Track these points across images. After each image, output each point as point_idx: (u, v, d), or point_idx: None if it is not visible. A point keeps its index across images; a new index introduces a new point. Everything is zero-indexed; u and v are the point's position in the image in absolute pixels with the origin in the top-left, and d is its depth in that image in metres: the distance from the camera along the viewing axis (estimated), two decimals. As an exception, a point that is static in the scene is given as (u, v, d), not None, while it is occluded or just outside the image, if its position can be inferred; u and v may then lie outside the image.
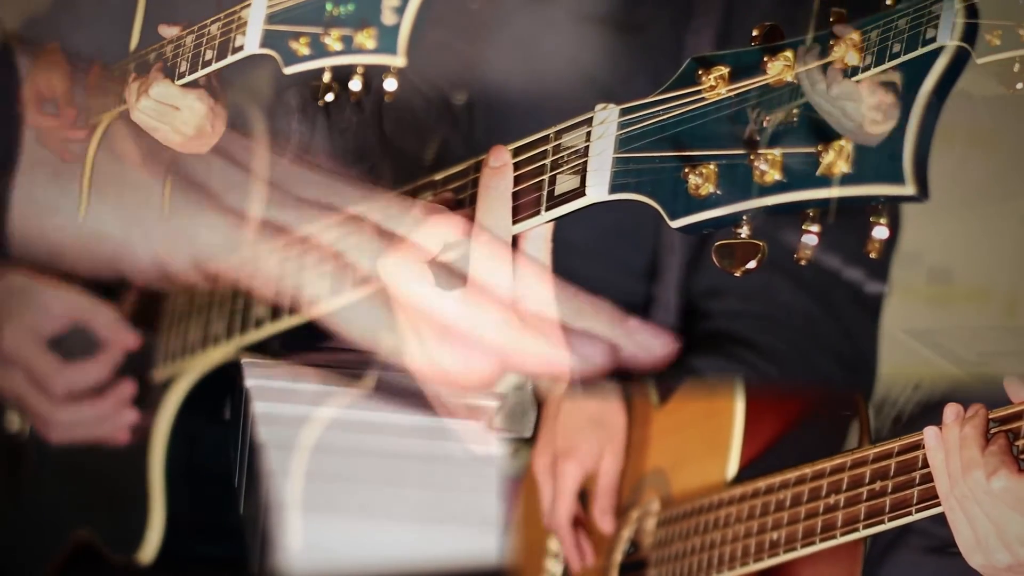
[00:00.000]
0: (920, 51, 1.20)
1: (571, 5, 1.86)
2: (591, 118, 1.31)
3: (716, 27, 1.83)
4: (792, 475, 1.67)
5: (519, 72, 1.83)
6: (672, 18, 1.86)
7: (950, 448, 1.46)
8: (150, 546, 1.83)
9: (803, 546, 1.64)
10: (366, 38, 1.45)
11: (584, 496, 1.94)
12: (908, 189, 1.12)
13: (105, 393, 1.87)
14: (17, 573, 1.95)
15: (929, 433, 1.48)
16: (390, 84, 1.47)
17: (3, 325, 1.82)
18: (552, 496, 1.92)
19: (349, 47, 1.46)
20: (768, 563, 1.69)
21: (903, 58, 1.20)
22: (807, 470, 1.66)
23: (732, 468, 1.78)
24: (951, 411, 1.48)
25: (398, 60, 1.43)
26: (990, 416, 1.47)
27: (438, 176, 1.48)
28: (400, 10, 1.43)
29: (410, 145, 1.85)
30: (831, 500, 1.61)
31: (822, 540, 1.62)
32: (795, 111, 1.18)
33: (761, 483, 1.71)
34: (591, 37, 1.84)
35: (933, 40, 1.23)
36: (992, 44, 1.46)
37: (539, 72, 1.82)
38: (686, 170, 1.22)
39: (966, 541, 1.48)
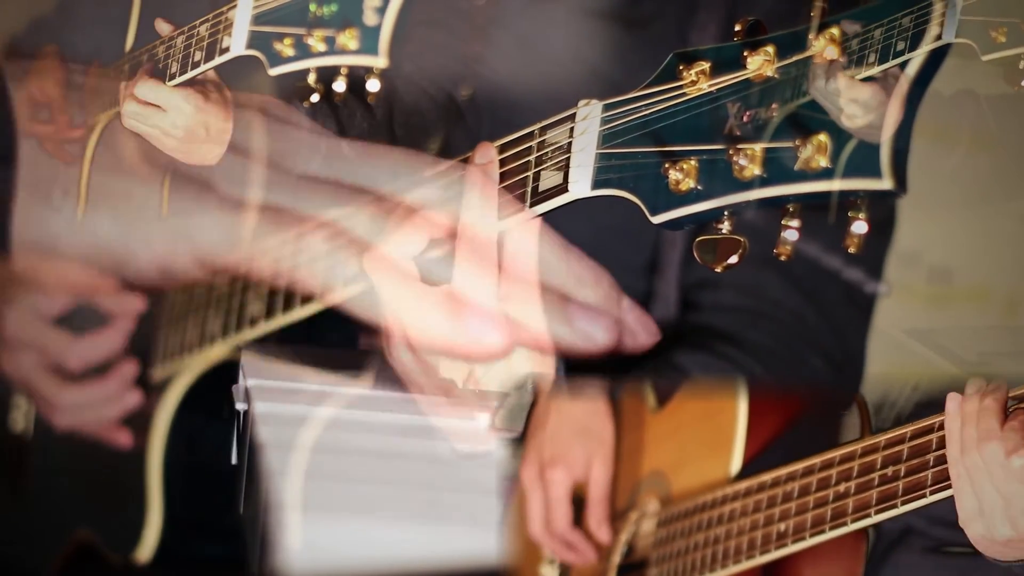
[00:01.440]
0: (923, 49, 1.20)
1: (575, 1, 1.86)
2: (574, 114, 1.31)
3: (720, 22, 1.83)
4: (799, 467, 1.66)
5: (523, 69, 1.83)
6: (676, 13, 1.85)
7: (967, 417, 1.46)
8: (148, 545, 1.84)
9: (812, 535, 1.63)
10: (348, 39, 1.45)
11: (577, 507, 1.94)
12: (886, 184, 1.12)
13: (109, 373, 1.87)
14: (18, 572, 1.95)
15: (952, 398, 1.48)
16: (372, 85, 1.47)
17: (7, 309, 1.82)
18: (542, 506, 1.91)
19: (332, 48, 1.46)
20: (775, 555, 1.68)
21: (907, 56, 1.20)
22: (815, 460, 1.65)
23: (735, 467, 1.77)
24: (973, 385, 1.47)
25: (380, 61, 1.44)
26: (1011, 394, 1.46)
27: (427, 173, 1.48)
28: (381, 10, 1.44)
29: (421, 148, 1.85)
30: (841, 488, 1.60)
31: (832, 528, 1.61)
32: (775, 106, 1.18)
33: (767, 477, 1.70)
34: (595, 32, 1.84)
35: (939, 37, 1.23)
36: (997, 41, 1.45)
37: (544, 68, 1.82)
38: (667, 165, 1.22)
39: (969, 509, 1.46)
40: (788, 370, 1.82)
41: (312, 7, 1.49)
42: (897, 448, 1.55)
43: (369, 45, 1.46)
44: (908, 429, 1.55)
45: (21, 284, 1.79)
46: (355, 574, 1.70)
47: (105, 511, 1.90)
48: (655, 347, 1.49)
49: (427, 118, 1.84)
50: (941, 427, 1.51)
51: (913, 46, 1.23)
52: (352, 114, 1.75)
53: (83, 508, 1.92)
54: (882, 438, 1.57)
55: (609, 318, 1.35)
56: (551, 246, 1.36)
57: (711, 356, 1.81)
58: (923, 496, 1.52)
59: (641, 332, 1.42)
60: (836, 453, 1.62)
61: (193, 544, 1.86)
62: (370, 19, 1.46)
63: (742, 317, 1.83)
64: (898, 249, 1.84)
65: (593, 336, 1.35)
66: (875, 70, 1.19)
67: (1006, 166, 1.90)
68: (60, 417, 1.85)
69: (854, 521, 1.59)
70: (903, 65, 1.16)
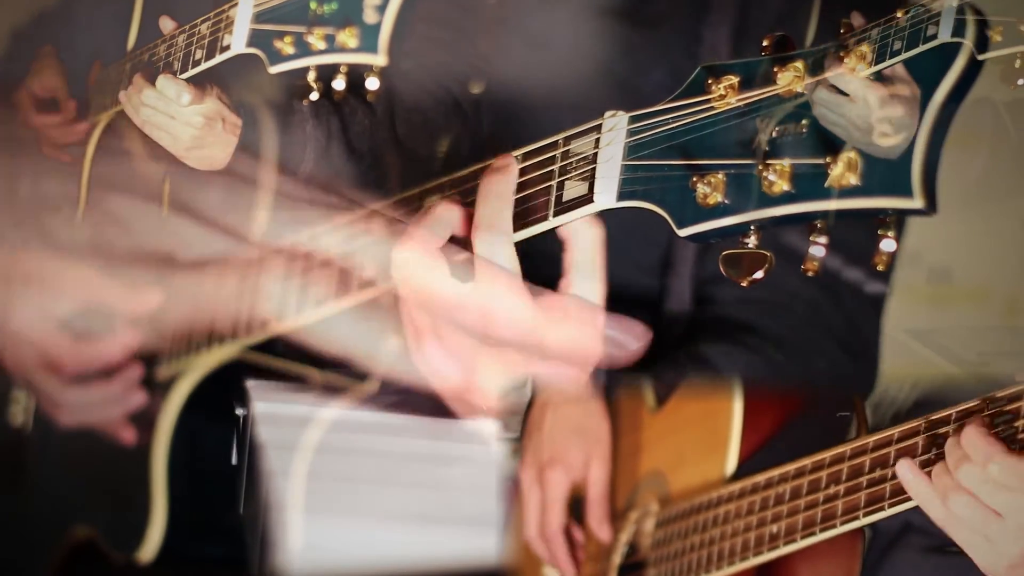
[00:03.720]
0: (920, 48, 1.20)
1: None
2: (600, 125, 1.31)
3: (732, 22, 1.82)
4: (791, 468, 1.67)
5: (530, 67, 1.83)
6: (689, 12, 1.85)
7: (934, 473, 1.47)
8: (151, 545, 1.83)
9: (803, 537, 1.64)
10: (348, 37, 1.45)
11: (578, 507, 1.94)
12: (916, 203, 1.12)
13: (114, 375, 1.86)
14: (19, 570, 1.95)
15: (903, 467, 1.49)
16: (372, 83, 1.47)
17: (15, 305, 1.81)
18: (539, 506, 1.92)
19: (332, 46, 1.46)
20: (768, 556, 1.69)
21: (904, 55, 1.20)
22: (806, 462, 1.66)
23: (731, 466, 1.78)
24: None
25: (379, 59, 1.44)
26: (960, 408, 1.48)
27: (445, 180, 1.48)
28: (381, 9, 1.43)
29: (422, 147, 1.84)
30: (831, 490, 1.61)
31: (822, 530, 1.62)
32: (805, 121, 1.18)
33: (760, 478, 1.71)
34: (607, 31, 1.83)
35: (934, 37, 1.23)
36: (993, 40, 1.46)
37: (550, 67, 1.81)
38: (694, 179, 1.21)
39: (985, 553, 1.46)
40: (806, 360, 1.82)
41: (312, 5, 1.48)
42: (884, 451, 1.56)
43: (369, 43, 1.46)
44: (895, 431, 1.56)
45: (29, 283, 1.78)
46: (356, 574, 1.70)
47: (109, 510, 1.89)
48: (678, 338, 1.47)
49: (429, 116, 1.84)
50: (928, 428, 1.52)
51: (910, 45, 1.23)
52: (354, 112, 1.74)
53: (86, 506, 1.91)
54: (870, 440, 1.58)
55: (639, 325, 1.35)
56: (518, 289, 1.36)
57: (734, 345, 1.81)
58: (910, 499, 1.53)
59: (630, 340, 1.41)
60: (826, 455, 1.63)
61: (195, 544, 1.86)
62: (370, 17, 1.46)
63: (759, 308, 1.83)
64: (899, 249, 1.85)
65: (625, 342, 1.35)
66: (871, 70, 1.19)
67: (1006, 166, 1.90)
68: (64, 415, 1.84)
69: (843, 523, 1.60)
70: (934, 80, 1.16)
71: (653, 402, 1.92)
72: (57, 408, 1.84)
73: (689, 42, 1.81)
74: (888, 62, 1.22)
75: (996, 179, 1.90)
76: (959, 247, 1.96)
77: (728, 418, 1.79)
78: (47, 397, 1.84)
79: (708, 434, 1.81)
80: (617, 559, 1.90)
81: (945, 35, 1.31)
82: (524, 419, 1.87)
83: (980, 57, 1.50)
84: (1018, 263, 1.93)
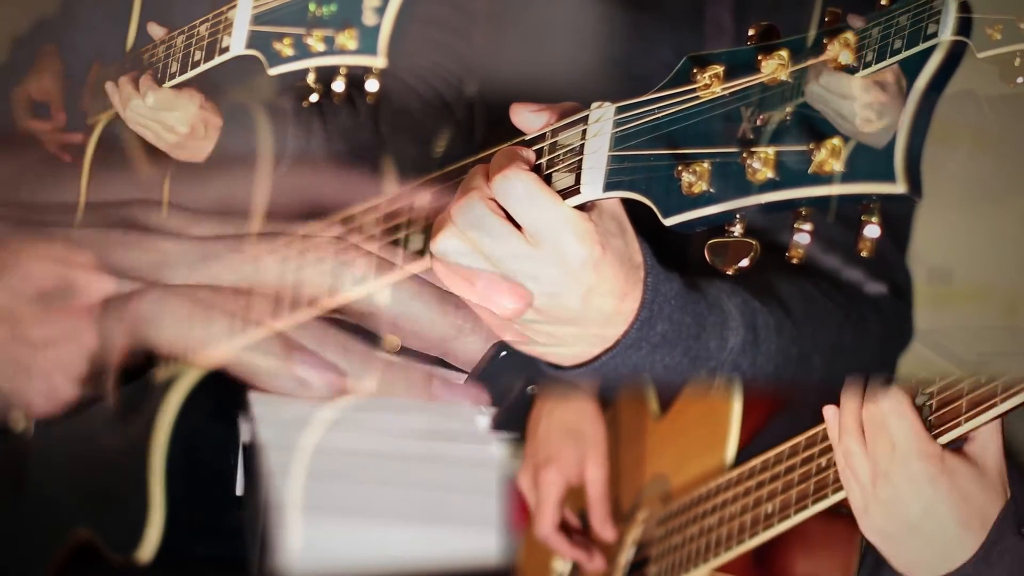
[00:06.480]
0: (921, 47, 1.20)
1: None
2: (587, 116, 1.31)
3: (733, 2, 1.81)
4: (786, 447, 1.67)
5: (522, 66, 1.83)
6: None
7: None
8: (149, 545, 1.83)
9: (796, 511, 1.63)
10: (347, 39, 1.46)
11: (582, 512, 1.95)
12: (899, 188, 1.11)
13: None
14: (17, 572, 1.95)
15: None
16: (371, 85, 1.47)
17: None
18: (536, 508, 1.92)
19: (331, 48, 1.47)
20: (763, 536, 1.68)
21: (904, 54, 1.20)
22: (800, 439, 1.65)
23: (730, 455, 1.78)
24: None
25: (379, 61, 1.45)
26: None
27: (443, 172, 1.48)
28: (380, 11, 1.44)
29: (407, 146, 1.85)
30: (822, 461, 1.60)
31: (814, 502, 1.61)
32: (789, 109, 1.18)
33: (756, 461, 1.71)
34: (606, 17, 1.82)
35: (934, 36, 1.23)
36: (993, 38, 1.47)
37: (553, 62, 1.81)
38: (680, 168, 1.22)
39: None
40: (861, 299, 1.77)
41: (311, 7, 1.49)
42: None
43: (368, 45, 1.47)
44: None
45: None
46: (355, 574, 1.70)
47: (107, 511, 1.89)
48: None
49: (415, 118, 1.84)
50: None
51: (910, 44, 1.23)
52: (336, 112, 1.75)
53: (84, 508, 1.91)
54: None
55: (334, 373, 1.36)
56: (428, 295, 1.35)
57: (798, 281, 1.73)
58: None
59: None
60: (818, 429, 1.62)
61: (194, 544, 1.86)
62: (369, 19, 1.47)
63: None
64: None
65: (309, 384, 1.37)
66: (872, 69, 1.19)
67: (1006, 166, 1.90)
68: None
69: (835, 491, 1.58)
70: (917, 68, 1.16)
71: (657, 409, 1.92)
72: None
73: (693, 17, 1.79)
74: (888, 61, 1.23)
75: (996, 178, 1.90)
76: (959, 247, 1.96)
77: (727, 413, 1.78)
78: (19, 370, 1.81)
79: (709, 431, 1.81)
80: (624, 559, 1.90)
81: (945, 33, 1.31)
82: (526, 418, 1.88)
83: (980, 55, 1.50)
84: (1018, 263, 1.92)
